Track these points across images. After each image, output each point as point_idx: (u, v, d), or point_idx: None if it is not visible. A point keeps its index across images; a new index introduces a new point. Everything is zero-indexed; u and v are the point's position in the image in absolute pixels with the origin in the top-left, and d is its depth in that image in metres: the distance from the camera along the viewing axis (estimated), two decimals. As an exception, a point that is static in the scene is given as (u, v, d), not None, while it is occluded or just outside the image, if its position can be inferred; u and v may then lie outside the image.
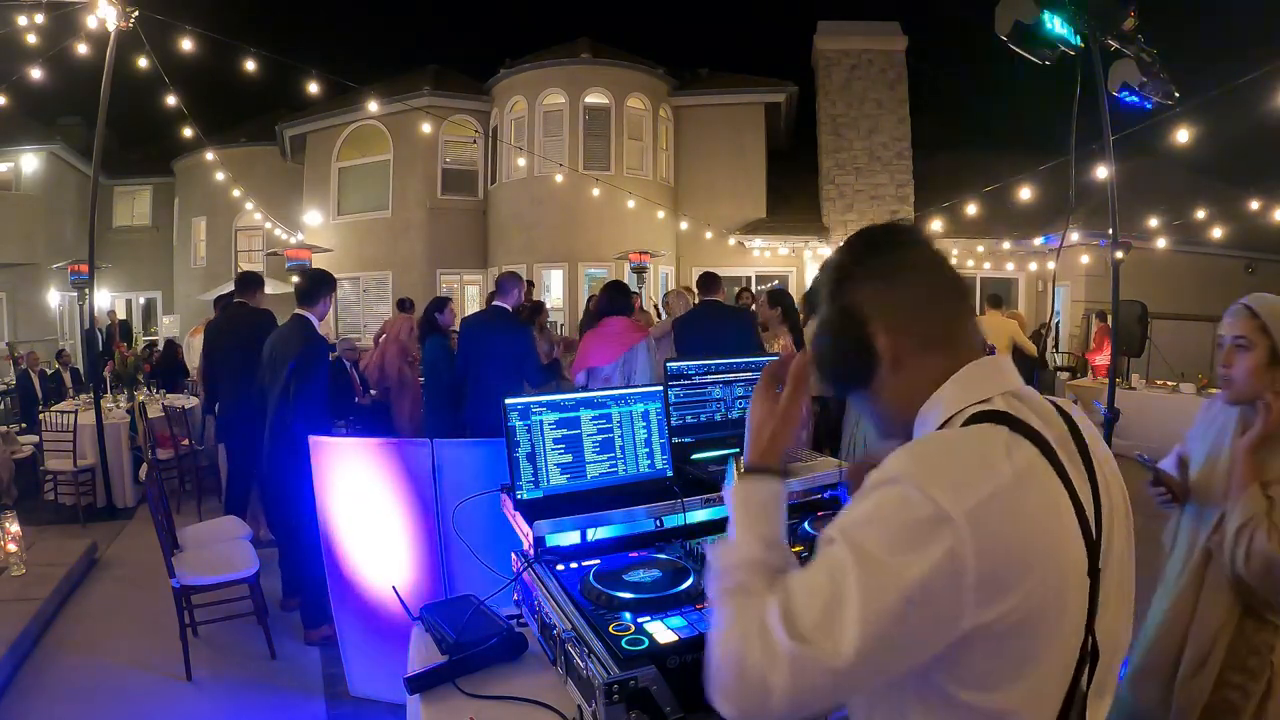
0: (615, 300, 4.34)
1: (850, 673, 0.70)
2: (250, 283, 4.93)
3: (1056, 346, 11.86)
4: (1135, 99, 2.96)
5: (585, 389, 4.10)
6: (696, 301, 5.21)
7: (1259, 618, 1.63)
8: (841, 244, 0.94)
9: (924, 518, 0.69)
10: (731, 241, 13.84)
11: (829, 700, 0.75)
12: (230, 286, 8.45)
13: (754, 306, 6.52)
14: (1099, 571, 0.76)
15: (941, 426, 0.83)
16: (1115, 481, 0.85)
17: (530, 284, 9.68)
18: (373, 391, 8.35)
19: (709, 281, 5.02)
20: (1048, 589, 0.72)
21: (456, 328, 5.30)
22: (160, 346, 11.99)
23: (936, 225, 11.54)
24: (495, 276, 7.03)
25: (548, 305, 13.86)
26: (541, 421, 1.51)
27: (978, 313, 10.18)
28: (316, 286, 3.73)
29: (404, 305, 7.59)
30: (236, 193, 11.23)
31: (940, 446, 0.77)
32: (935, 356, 0.86)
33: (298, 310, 3.69)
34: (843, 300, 0.89)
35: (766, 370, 0.97)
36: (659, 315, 7.44)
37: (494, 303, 4.57)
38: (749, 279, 14.06)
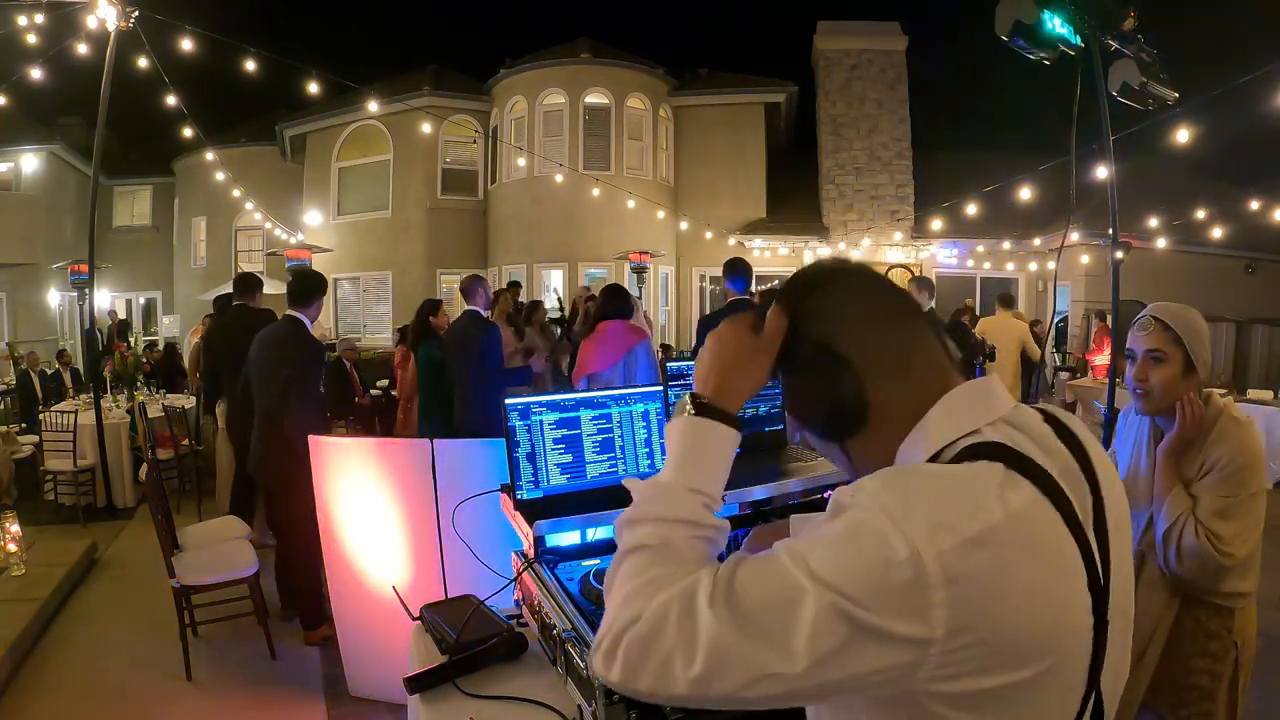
0: (613, 303, 4.20)
1: (787, 680, 0.62)
2: (249, 285, 4.91)
3: (1057, 347, 11.87)
4: (1135, 100, 2.96)
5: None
6: (727, 297, 4.55)
7: (1207, 605, 1.70)
8: (779, 288, 0.86)
9: (896, 560, 0.60)
10: (731, 241, 13.84)
11: (739, 696, 0.63)
12: (230, 287, 8.47)
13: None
14: (1107, 620, 0.68)
15: (932, 460, 0.73)
16: (1120, 504, 0.77)
17: (516, 284, 9.62)
18: (374, 391, 8.36)
19: (738, 272, 4.34)
20: (1042, 660, 0.63)
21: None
22: (159, 347, 12.00)
23: (936, 225, 11.57)
24: (497, 276, 7.01)
25: (547, 305, 13.89)
26: (541, 421, 1.51)
27: (976, 314, 10.19)
28: (308, 288, 3.70)
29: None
30: (236, 193, 11.23)
31: (918, 480, 0.67)
32: (907, 386, 0.76)
33: (289, 311, 3.64)
34: (811, 337, 0.78)
35: (741, 314, 0.86)
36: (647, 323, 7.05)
37: (466, 307, 4.63)
38: (749, 279, 14.03)
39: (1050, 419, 0.78)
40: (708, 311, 13.92)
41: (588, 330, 4.28)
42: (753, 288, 4.45)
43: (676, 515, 0.74)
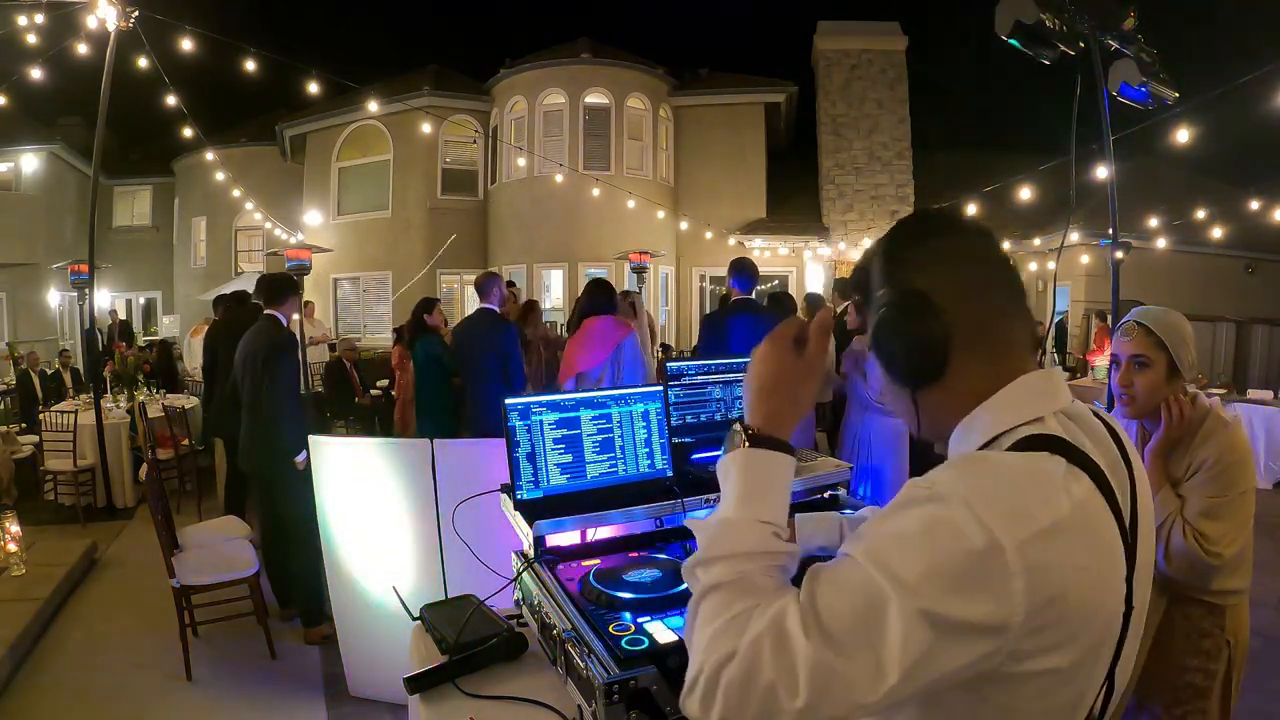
0: (596, 299, 3.98)
1: (883, 694, 0.63)
2: (285, 288, 3.98)
3: (1058, 346, 11.87)
4: (1135, 99, 2.95)
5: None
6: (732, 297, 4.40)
7: (1199, 602, 1.71)
8: (901, 222, 0.85)
9: (975, 550, 0.62)
10: (731, 241, 13.84)
11: (847, 717, 0.64)
12: (230, 287, 8.48)
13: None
14: (1132, 609, 0.72)
15: (987, 444, 0.76)
16: (1147, 501, 0.80)
17: (511, 284, 9.63)
18: (374, 391, 8.36)
19: (744, 272, 4.22)
20: (1088, 646, 0.67)
21: (446, 327, 5.40)
22: (156, 348, 11.97)
23: (936, 225, 11.54)
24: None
25: (548, 305, 13.90)
26: (541, 421, 1.51)
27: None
28: (279, 286, 3.90)
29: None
30: (236, 193, 11.23)
31: (994, 470, 0.69)
32: (993, 362, 0.78)
33: (266, 310, 3.82)
34: (908, 284, 0.79)
35: (782, 327, 0.85)
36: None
37: (479, 305, 4.63)
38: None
39: (1099, 415, 0.81)
40: (708, 311, 13.91)
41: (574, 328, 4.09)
42: (759, 287, 4.40)
43: (751, 549, 0.73)
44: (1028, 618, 0.62)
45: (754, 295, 4.31)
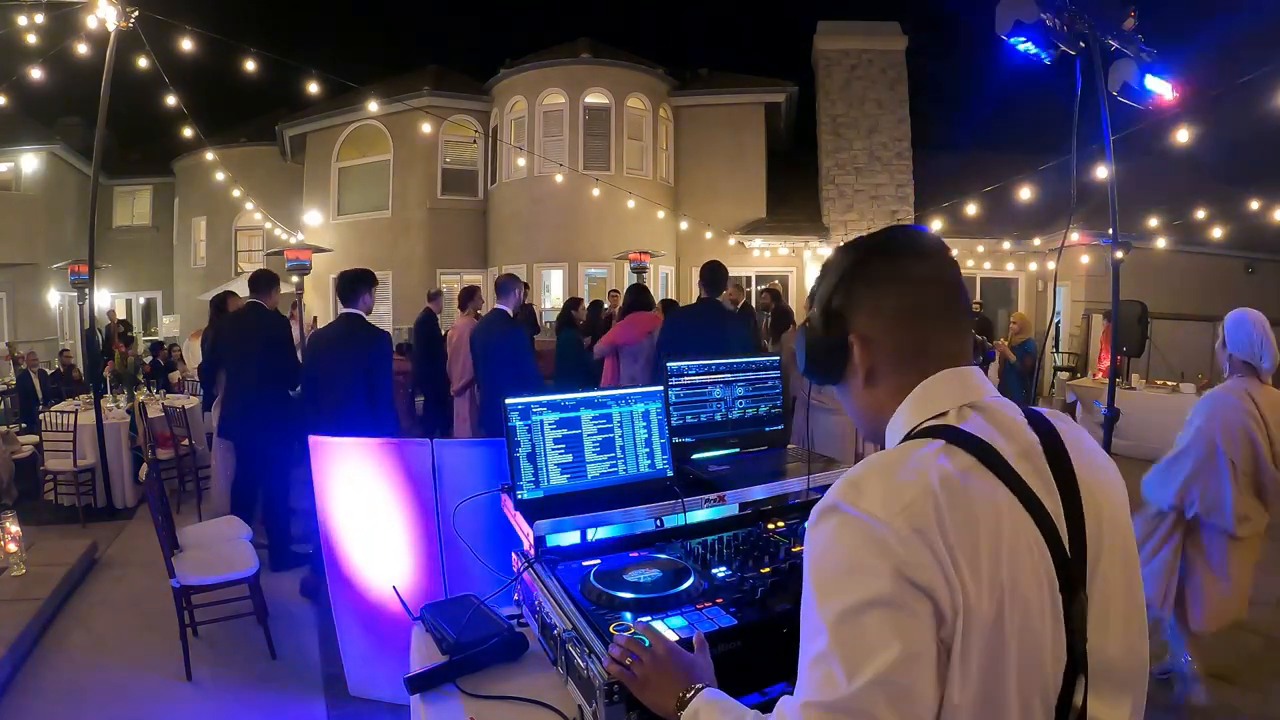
0: (639, 298, 5.57)
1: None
2: (265, 282, 4.86)
3: (1056, 347, 11.87)
4: (1136, 99, 2.96)
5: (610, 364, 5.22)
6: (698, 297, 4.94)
7: None
8: (847, 243, 0.93)
9: (870, 539, 0.69)
10: (731, 241, 13.84)
11: None
12: (229, 287, 8.47)
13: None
14: (1077, 589, 0.74)
15: (901, 442, 0.82)
16: (1108, 495, 0.81)
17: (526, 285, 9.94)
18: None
19: (714, 276, 4.61)
20: (992, 606, 0.69)
21: (448, 317, 5.79)
22: (153, 350, 11.95)
23: (936, 225, 11.56)
24: (495, 277, 7.15)
25: (547, 305, 13.90)
26: (542, 421, 1.51)
27: (984, 315, 10.18)
28: (263, 280, 4.77)
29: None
30: (236, 193, 11.23)
31: (870, 466, 0.76)
32: (910, 372, 0.85)
33: (250, 299, 4.70)
34: (831, 302, 0.89)
35: (618, 656, 1.03)
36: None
37: (495, 305, 4.85)
38: (749, 279, 14.07)
39: (1033, 415, 0.84)
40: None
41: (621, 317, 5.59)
42: (726, 290, 4.86)
43: None
44: (945, 579, 0.67)
45: (722, 298, 4.83)
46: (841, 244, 0.95)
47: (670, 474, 1.62)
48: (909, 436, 0.82)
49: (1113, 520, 0.80)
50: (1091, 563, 0.76)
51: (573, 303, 7.91)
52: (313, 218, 14.35)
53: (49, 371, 9.96)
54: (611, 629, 1.15)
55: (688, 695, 0.93)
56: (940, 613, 0.68)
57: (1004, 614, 0.69)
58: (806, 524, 0.77)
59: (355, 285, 4.07)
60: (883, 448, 0.87)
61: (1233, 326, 2.74)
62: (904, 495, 0.70)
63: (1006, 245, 12.78)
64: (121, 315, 15.79)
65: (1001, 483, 0.74)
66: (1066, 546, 0.74)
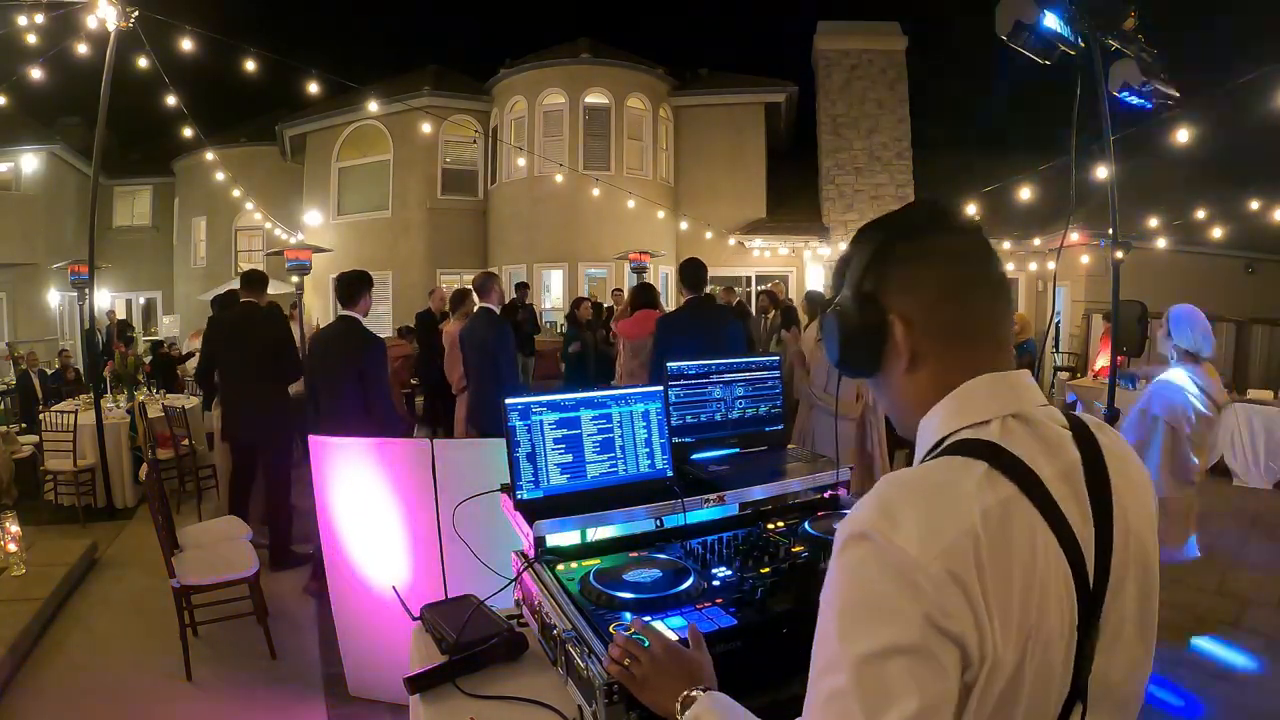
0: (646, 296, 5.79)
1: None
2: (255, 281, 4.95)
3: (1056, 347, 11.87)
4: (1136, 99, 2.95)
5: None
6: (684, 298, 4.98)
7: None
8: (869, 223, 0.86)
9: (897, 577, 0.64)
10: (731, 241, 13.85)
11: None
12: (229, 286, 8.47)
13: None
14: (1093, 623, 0.71)
15: (934, 447, 0.77)
16: (1139, 511, 0.77)
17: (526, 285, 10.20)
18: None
19: (695, 273, 4.61)
20: (1020, 651, 0.66)
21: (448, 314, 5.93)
22: (153, 353, 11.93)
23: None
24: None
25: (547, 305, 13.90)
26: (542, 421, 1.51)
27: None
28: (255, 279, 4.87)
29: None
30: (236, 193, 11.23)
31: (905, 491, 0.70)
32: (958, 352, 0.78)
33: (244, 298, 4.79)
34: (863, 285, 0.81)
35: (617, 656, 1.03)
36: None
37: (479, 305, 4.88)
38: (749, 279, 14.08)
39: (1076, 424, 0.79)
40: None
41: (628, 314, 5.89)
42: (706, 288, 4.83)
43: None
44: (977, 626, 0.63)
45: (706, 294, 4.88)
46: (863, 225, 0.87)
47: (670, 474, 1.62)
48: (943, 440, 0.76)
49: (1139, 536, 0.77)
50: (1113, 588, 0.73)
51: (576, 302, 8.78)
52: (313, 218, 14.36)
53: (49, 371, 9.95)
54: (611, 629, 1.15)
55: (690, 696, 0.92)
56: (967, 658, 0.64)
57: (1026, 658, 0.67)
58: (832, 544, 0.71)
59: (353, 287, 4.10)
60: (912, 448, 0.83)
61: (1179, 320, 3.15)
62: (944, 535, 0.65)
63: (1006, 245, 12.78)
64: (121, 315, 15.80)
65: (1041, 516, 0.69)
66: (1091, 578, 0.71)
